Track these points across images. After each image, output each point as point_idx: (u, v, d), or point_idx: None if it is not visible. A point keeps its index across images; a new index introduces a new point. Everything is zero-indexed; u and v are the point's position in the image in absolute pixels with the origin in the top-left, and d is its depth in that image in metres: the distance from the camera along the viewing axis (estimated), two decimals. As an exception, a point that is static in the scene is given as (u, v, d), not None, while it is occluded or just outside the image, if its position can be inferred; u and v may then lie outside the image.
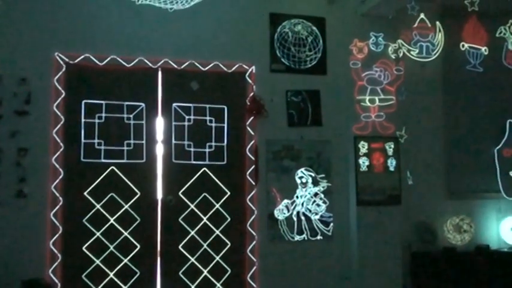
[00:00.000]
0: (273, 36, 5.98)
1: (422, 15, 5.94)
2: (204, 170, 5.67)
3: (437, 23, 6.01)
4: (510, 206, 6.61)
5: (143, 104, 5.55)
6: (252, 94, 5.82)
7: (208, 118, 5.73)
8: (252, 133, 5.81)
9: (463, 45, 5.94)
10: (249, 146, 5.80)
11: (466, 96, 6.68)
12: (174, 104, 5.65)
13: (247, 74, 5.86)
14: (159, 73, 5.64)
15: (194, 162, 5.64)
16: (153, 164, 5.54)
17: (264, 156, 5.81)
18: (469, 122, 6.68)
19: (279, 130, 5.88)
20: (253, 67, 5.87)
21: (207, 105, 5.73)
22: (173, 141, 5.61)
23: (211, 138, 5.71)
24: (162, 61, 5.62)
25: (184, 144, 5.64)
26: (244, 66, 5.86)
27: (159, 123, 5.61)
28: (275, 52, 5.96)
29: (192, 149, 5.65)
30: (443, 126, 6.59)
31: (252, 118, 5.81)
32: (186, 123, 5.66)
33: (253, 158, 5.77)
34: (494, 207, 6.62)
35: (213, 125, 5.73)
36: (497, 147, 6.67)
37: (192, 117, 5.69)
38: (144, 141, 5.52)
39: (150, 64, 5.60)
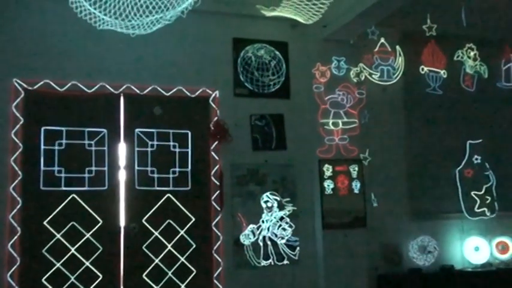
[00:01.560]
0: (236, 60, 6.02)
1: (382, 40, 6.08)
2: (168, 196, 5.60)
3: (397, 47, 6.15)
4: (472, 226, 6.72)
5: (105, 130, 5.48)
6: (216, 119, 5.82)
7: (171, 143, 5.69)
8: (217, 158, 5.79)
9: (422, 69, 6.10)
10: (213, 171, 5.77)
11: (427, 119, 6.81)
12: (137, 130, 5.59)
13: (210, 98, 5.87)
14: (121, 98, 5.59)
15: (158, 188, 5.58)
16: (116, 191, 5.45)
17: (228, 181, 5.79)
18: (430, 144, 6.80)
19: (244, 154, 5.88)
20: (217, 92, 5.88)
21: (171, 131, 5.69)
22: (136, 167, 5.54)
23: (175, 163, 5.66)
24: (124, 86, 5.58)
25: (148, 170, 5.57)
26: (207, 90, 5.87)
27: (122, 149, 5.54)
28: (238, 76, 5.99)
29: (155, 175, 5.59)
30: (406, 148, 6.68)
31: (216, 143, 5.80)
32: (149, 149, 5.61)
33: (217, 183, 5.74)
34: (457, 228, 6.72)
35: (177, 150, 5.69)
36: (459, 168, 6.81)
37: (155, 142, 5.64)
38: (106, 168, 5.44)
39: (111, 89, 5.54)
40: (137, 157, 5.55)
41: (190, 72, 5.83)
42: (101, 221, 5.35)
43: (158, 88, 5.69)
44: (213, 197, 5.73)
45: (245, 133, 5.94)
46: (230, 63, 6.00)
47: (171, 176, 5.63)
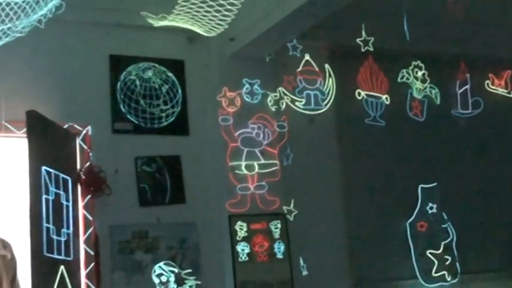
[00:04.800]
0: (115, 85, 6.04)
1: (307, 57, 6.27)
2: (62, 269, 5.31)
3: (327, 65, 6.36)
4: (430, 294, 6.98)
5: None
6: (87, 164, 5.77)
7: (62, 193, 5.45)
8: (90, 218, 5.72)
9: (359, 94, 6.32)
10: (86, 236, 5.68)
11: (368, 157, 7.05)
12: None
13: (80, 137, 5.83)
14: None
15: (56, 256, 5.21)
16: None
17: (107, 248, 5.73)
18: (373, 190, 7.02)
19: (127, 212, 5.86)
20: (89, 128, 5.86)
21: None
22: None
23: (64, 221, 5.41)
24: (-45, 123, 5.43)
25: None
26: (76, 126, 5.83)
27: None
28: (118, 107, 6.01)
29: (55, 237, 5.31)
30: (342, 196, 6.89)
31: (88, 197, 5.73)
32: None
33: (92, 253, 5.65)
34: (412, 298, 6.96)
35: (64, 203, 5.45)
36: (410, 220, 7.08)
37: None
38: None
39: None
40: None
41: (51, 101, 5.75)
42: None
43: (8, 125, 5.54)
44: (86, 272, 5.62)
45: (129, 183, 5.94)
46: (106, 89, 6.02)
47: (62, 239, 5.36)
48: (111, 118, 5.99)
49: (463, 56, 7.07)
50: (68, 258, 5.38)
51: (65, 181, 5.50)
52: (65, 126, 5.75)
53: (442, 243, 7.11)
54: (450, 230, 7.18)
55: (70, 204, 5.54)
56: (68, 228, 5.44)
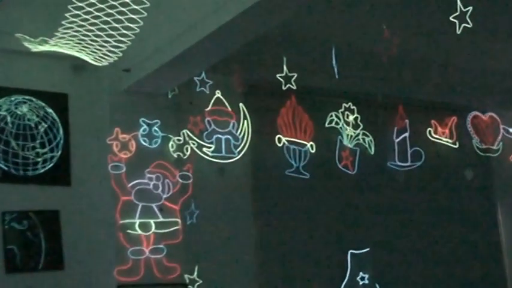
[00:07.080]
0: (-20, 123, 5.90)
1: (218, 94, 6.30)
2: None
3: (241, 105, 6.39)
4: None
5: None
6: None
7: None
8: None
9: (279, 140, 6.37)
10: None
11: (288, 216, 7.06)
12: None
13: None
14: None
15: None
16: None
17: (-38, 328, 5.53)
18: (295, 255, 7.04)
19: (-10, 280, 5.68)
20: None
21: None
22: None
23: None
24: None
25: None
26: None
27: None
28: (-17, 149, 5.87)
29: None
30: (257, 263, 6.86)
31: None
32: None
33: None
34: None
35: None
36: (339, 292, 7.14)
37: None
38: None
39: None
40: None
41: None
42: None
43: None
44: None
45: (-7, 243, 5.76)
46: (-31, 127, 5.87)
47: None
48: (-27, 164, 5.83)
49: (401, 99, 7.19)
50: None
51: None
52: None
53: (376, 323, 7.19)
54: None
55: None
56: None
